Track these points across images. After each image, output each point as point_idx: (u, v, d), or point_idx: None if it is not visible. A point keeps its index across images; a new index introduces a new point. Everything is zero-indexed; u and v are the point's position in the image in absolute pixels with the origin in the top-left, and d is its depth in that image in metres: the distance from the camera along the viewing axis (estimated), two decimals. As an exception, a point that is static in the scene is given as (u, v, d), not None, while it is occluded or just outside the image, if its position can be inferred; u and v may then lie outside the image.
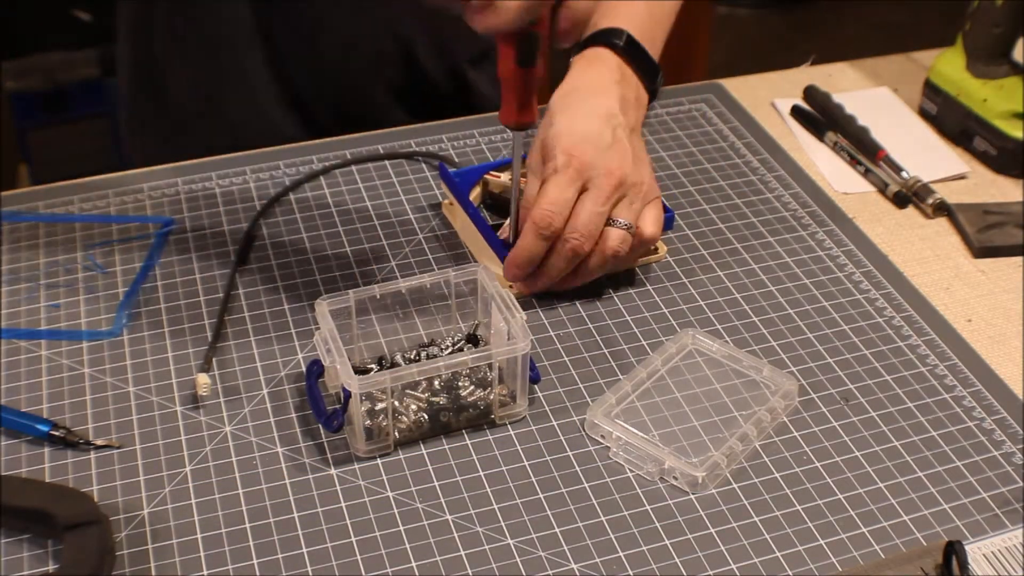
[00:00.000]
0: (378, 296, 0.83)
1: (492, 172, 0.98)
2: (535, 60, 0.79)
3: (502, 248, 0.90)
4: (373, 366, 0.82)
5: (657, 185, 0.91)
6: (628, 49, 0.93)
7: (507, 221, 0.92)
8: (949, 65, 1.10)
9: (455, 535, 0.73)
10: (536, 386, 0.82)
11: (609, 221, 0.85)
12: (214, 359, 0.85)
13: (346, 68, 1.15)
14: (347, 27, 1.12)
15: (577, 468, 0.77)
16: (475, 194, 0.97)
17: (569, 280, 0.88)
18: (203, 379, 0.81)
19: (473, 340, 0.85)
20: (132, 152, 1.22)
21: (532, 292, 0.89)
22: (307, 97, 1.16)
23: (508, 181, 0.97)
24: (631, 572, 0.70)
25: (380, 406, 0.77)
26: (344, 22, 1.12)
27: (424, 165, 1.05)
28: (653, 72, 0.95)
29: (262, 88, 1.14)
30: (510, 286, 0.89)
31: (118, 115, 1.25)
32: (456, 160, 1.05)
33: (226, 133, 1.12)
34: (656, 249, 0.94)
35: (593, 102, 0.89)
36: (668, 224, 0.93)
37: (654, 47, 0.96)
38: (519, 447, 0.78)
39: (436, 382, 0.79)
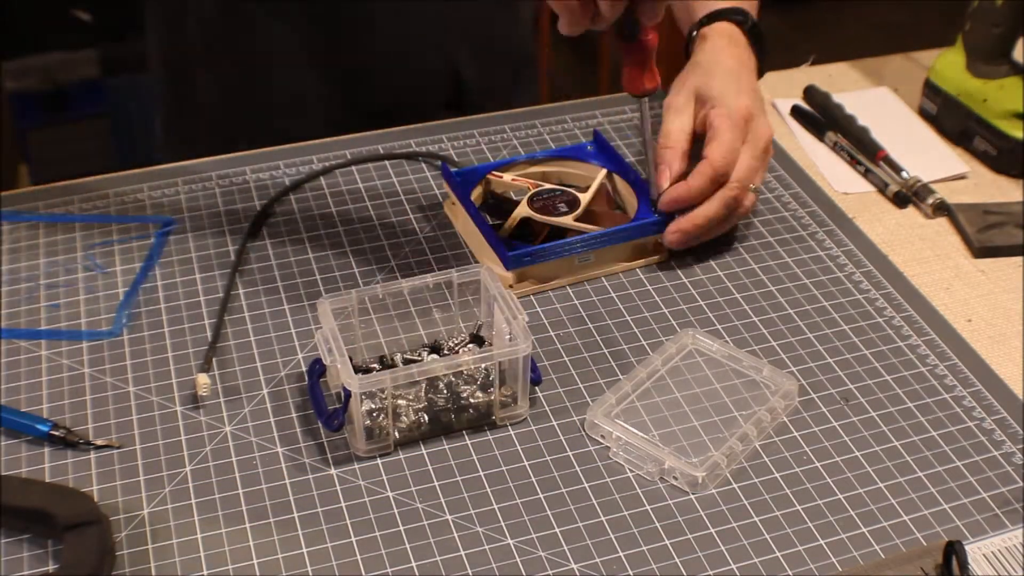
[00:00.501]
0: (380, 296, 0.83)
1: (494, 172, 0.98)
2: (636, 35, 0.86)
3: (503, 248, 0.90)
4: (375, 366, 0.82)
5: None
6: (752, 30, 1.02)
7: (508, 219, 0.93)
8: (949, 65, 1.10)
9: (455, 535, 0.73)
10: (536, 386, 0.82)
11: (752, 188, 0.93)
12: (214, 359, 0.85)
13: (395, 85, 1.16)
14: (397, 45, 1.14)
15: (577, 468, 0.77)
16: (477, 194, 0.97)
17: (702, 230, 0.92)
18: (203, 379, 0.81)
19: (477, 340, 0.84)
20: (163, 151, 1.23)
21: (678, 242, 0.92)
22: (355, 115, 1.15)
23: (510, 181, 0.98)
24: (631, 572, 0.70)
25: (380, 406, 0.77)
26: (394, 40, 1.13)
27: (424, 165, 1.05)
28: (765, 51, 1.03)
29: (312, 106, 1.15)
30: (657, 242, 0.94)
31: (155, 116, 1.25)
32: (456, 160, 1.05)
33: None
34: (657, 249, 0.94)
35: (741, 73, 0.98)
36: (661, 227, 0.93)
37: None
38: (519, 447, 0.78)
39: (437, 382, 0.79)
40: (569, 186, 0.96)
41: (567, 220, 0.92)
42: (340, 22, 1.12)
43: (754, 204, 0.94)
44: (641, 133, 0.91)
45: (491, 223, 0.94)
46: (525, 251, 0.89)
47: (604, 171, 0.98)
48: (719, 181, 0.91)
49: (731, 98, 0.94)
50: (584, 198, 0.94)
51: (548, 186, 0.96)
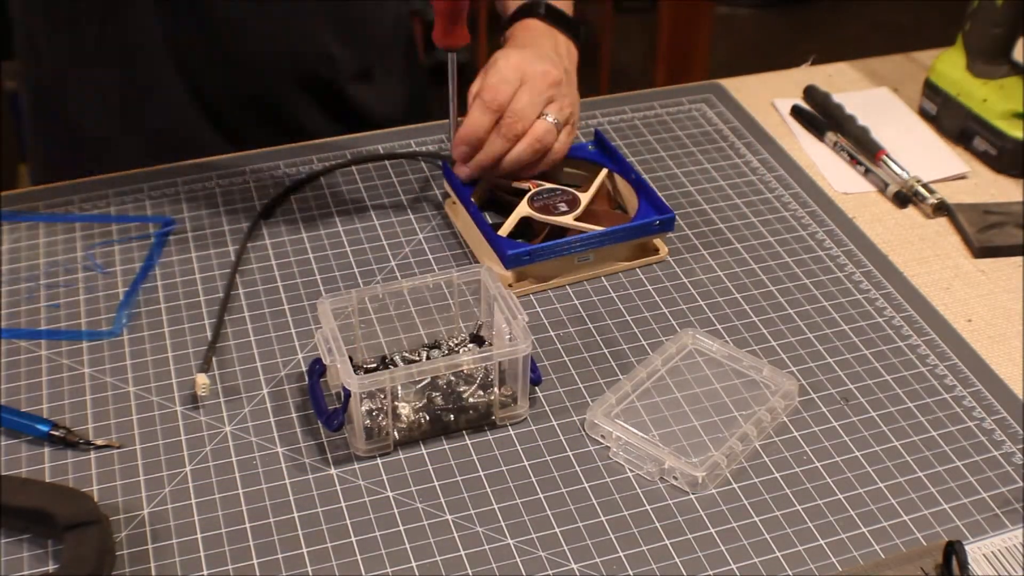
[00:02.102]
0: (381, 296, 0.83)
1: None
2: None
3: (502, 247, 0.90)
4: (375, 366, 0.82)
5: (577, 120, 1.01)
6: (549, 14, 1.05)
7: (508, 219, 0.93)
8: (949, 65, 1.10)
9: (455, 535, 0.73)
10: (536, 386, 0.82)
11: (540, 115, 0.95)
12: (214, 359, 0.85)
13: (257, 72, 1.14)
14: (256, 32, 1.11)
15: (577, 468, 0.77)
16: (477, 193, 0.97)
17: (499, 168, 0.96)
18: (202, 379, 0.81)
19: (477, 340, 0.85)
20: (35, 174, 1.21)
21: (471, 175, 0.96)
22: (223, 105, 1.14)
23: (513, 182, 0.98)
24: (631, 572, 0.70)
25: (380, 406, 0.77)
26: (252, 28, 1.11)
27: (424, 165, 1.05)
28: (575, 27, 1.07)
29: (177, 99, 1.12)
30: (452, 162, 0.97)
31: (24, 138, 1.22)
32: (455, 160, 1.05)
33: (141, 150, 1.10)
34: (656, 249, 0.94)
35: (528, 49, 1.00)
36: (668, 225, 0.93)
37: (567, 5, 1.09)
38: (519, 447, 0.78)
39: (437, 382, 0.79)
40: (570, 186, 0.96)
41: (567, 219, 0.92)
42: (206, 12, 1.09)
43: (552, 135, 0.95)
44: (448, 87, 0.95)
45: (491, 223, 0.94)
46: (524, 250, 0.89)
47: (605, 171, 0.98)
48: (494, 108, 0.94)
49: (502, 60, 0.97)
50: (584, 197, 0.94)
51: (548, 185, 0.96)
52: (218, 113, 1.14)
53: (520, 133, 0.94)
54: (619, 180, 0.98)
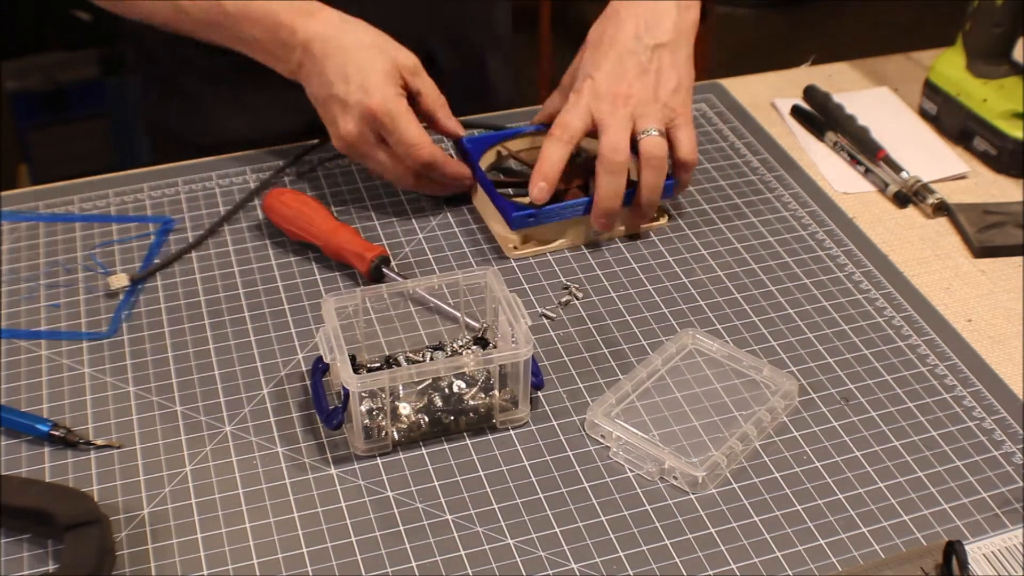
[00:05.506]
0: (385, 296, 0.83)
1: (506, 141, 1.01)
2: None
3: (509, 208, 0.92)
4: (377, 365, 0.82)
5: (688, 108, 0.95)
6: None
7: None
8: (949, 65, 1.10)
9: (455, 535, 0.73)
10: (539, 390, 0.82)
11: (641, 134, 0.92)
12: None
13: None
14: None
15: (577, 468, 0.77)
16: (489, 162, 1.00)
17: (641, 204, 0.94)
18: (117, 278, 0.88)
19: (481, 342, 0.84)
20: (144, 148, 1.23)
21: (606, 226, 0.94)
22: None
23: (525, 148, 1.00)
24: (631, 572, 0.70)
25: (380, 406, 0.77)
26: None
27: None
28: None
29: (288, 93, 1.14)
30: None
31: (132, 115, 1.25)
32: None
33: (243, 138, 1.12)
34: (657, 217, 0.97)
35: (603, 57, 0.95)
36: (668, 192, 0.95)
37: None
38: (519, 447, 0.78)
39: (438, 384, 0.79)
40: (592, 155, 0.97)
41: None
42: None
43: (662, 147, 0.92)
44: None
45: (497, 187, 0.96)
46: (530, 212, 0.92)
47: None
48: (564, 142, 0.92)
49: (588, 67, 0.94)
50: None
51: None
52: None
53: (622, 162, 0.91)
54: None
